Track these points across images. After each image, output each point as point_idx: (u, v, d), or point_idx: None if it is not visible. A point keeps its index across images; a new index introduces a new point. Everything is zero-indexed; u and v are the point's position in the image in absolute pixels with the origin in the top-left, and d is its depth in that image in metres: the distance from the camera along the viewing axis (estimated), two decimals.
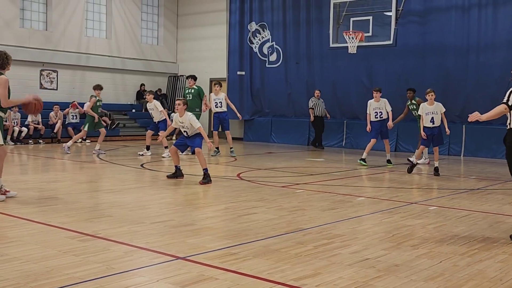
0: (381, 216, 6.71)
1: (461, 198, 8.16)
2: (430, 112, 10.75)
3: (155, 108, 13.44)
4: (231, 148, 13.78)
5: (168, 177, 9.47)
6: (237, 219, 6.29)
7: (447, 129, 11.07)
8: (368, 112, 12.41)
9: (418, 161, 12.12)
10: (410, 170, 10.94)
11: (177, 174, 9.42)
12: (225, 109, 13.72)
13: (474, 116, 5.67)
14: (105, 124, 18.66)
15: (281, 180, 9.82)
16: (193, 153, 9.63)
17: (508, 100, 5.45)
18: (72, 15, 19.01)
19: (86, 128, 14.01)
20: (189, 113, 9.19)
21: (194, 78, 14.21)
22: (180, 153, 9.45)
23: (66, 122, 17.65)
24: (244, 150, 15.78)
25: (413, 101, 12.80)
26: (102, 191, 8.14)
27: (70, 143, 14.07)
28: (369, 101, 12.47)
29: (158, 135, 13.00)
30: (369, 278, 4.21)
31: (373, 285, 4.06)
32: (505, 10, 14.61)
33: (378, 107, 12.33)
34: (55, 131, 17.18)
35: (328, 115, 17.25)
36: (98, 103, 14.04)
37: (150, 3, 21.71)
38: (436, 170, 10.83)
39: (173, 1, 22.17)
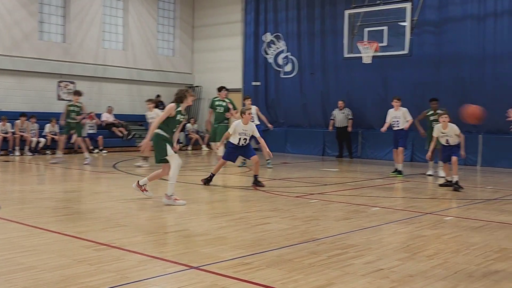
0: (396, 226, 6.67)
1: (477, 209, 8.08)
2: (445, 135, 10.06)
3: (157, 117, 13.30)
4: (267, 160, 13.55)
5: (204, 183, 9.94)
6: (251, 229, 6.30)
7: (462, 152, 10.01)
8: (386, 121, 12.39)
9: (430, 173, 12.35)
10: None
11: (210, 180, 9.98)
12: (258, 122, 13.63)
13: None
14: (121, 135, 18.86)
15: (295, 190, 9.81)
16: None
17: None
18: (90, 27, 19.27)
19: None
20: (252, 122, 9.86)
21: (227, 89, 13.95)
22: (232, 162, 10.30)
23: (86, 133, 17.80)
24: (259, 161, 15.75)
25: (438, 111, 11.85)
26: (118, 201, 8.21)
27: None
28: (389, 110, 12.43)
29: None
30: None
31: None
32: None
33: (396, 116, 12.19)
34: (72, 141, 17.34)
35: (349, 127, 17.11)
36: (71, 108, 14.03)
37: (166, 15, 21.93)
38: (455, 183, 9.92)
39: (189, 12, 22.38)
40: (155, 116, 13.25)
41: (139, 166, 13.06)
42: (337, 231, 6.27)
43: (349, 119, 17.10)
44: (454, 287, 4.27)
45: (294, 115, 19.08)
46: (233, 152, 9.99)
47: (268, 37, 19.73)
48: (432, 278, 4.48)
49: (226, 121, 13.62)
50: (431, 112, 12.39)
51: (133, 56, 20.63)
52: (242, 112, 9.83)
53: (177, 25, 22.14)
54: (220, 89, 13.79)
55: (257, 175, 9.99)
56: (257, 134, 9.85)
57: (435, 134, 10.24)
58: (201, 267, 4.63)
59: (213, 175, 10.06)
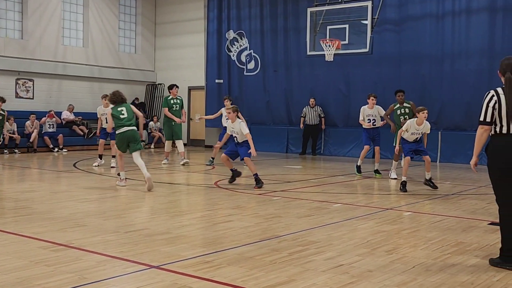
0: (357, 222, 6.75)
1: (435, 204, 8.25)
2: (417, 132, 9.62)
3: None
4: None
5: (230, 182, 10.02)
6: (213, 227, 6.28)
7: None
8: (361, 118, 11.68)
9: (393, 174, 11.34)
10: (404, 189, 9.38)
11: (235, 176, 10.04)
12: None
13: (474, 167, 5.08)
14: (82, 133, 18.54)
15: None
16: (242, 159, 10.08)
17: (485, 117, 4.80)
18: (48, 23, 18.85)
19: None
20: (240, 120, 9.94)
21: (178, 87, 14.03)
22: (232, 160, 10.16)
23: (43, 132, 17.45)
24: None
25: (405, 104, 11.42)
26: (77, 200, 8.06)
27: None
28: (363, 107, 11.73)
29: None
30: (342, 284, 4.23)
31: None
32: (477, 18, 14.86)
33: (372, 114, 11.62)
34: (31, 140, 16.97)
35: (323, 125, 17.30)
36: None
37: (128, 11, 21.64)
38: (429, 180, 9.68)
39: (151, 9, 22.14)
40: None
41: (97, 166, 12.83)
42: (299, 228, 6.31)
43: (322, 117, 17.26)
44: (412, 281, 4.34)
45: (258, 112, 19.09)
46: (234, 149, 10.04)
47: (231, 34, 19.68)
48: (390, 272, 4.55)
49: (180, 119, 13.67)
50: (398, 105, 11.55)
51: (93, 53, 20.28)
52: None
53: (139, 22, 21.87)
54: (171, 87, 13.86)
55: (255, 174, 9.75)
56: (244, 131, 9.74)
57: (407, 128, 9.62)
58: (161, 266, 4.59)
59: (232, 170, 10.05)
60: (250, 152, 9.68)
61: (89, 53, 20.15)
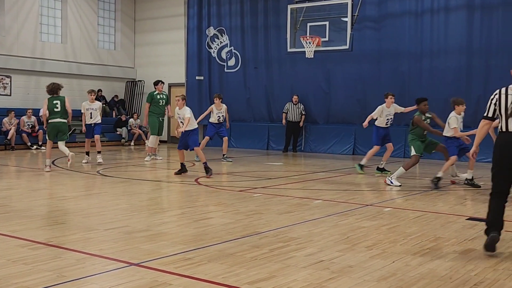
0: (337, 218, 6.78)
1: (415, 199, 8.33)
2: (462, 121, 9.59)
3: (98, 109, 12.96)
4: (224, 155, 13.88)
5: (175, 174, 10.76)
6: (193, 224, 6.26)
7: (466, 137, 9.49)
8: (374, 116, 11.27)
9: (460, 174, 10.11)
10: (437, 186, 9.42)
11: (182, 170, 10.77)
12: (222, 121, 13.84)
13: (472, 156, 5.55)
14: None
15: (239, 184, 9.82)
16: (192, 149, 10.80)
17: (487, 113, 5.18)
18: (26, 19, 18.58)
19: None
20: (187, 107, 10.53)
21: (163, 82, 14.25)
22: (185, 150, 10.84)
23: (20, 129, 17.20)
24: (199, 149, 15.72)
25: (427, 115, 9.92)
26: (56, 198, 7.97)
27: None
28: (381, 106, 11.28)
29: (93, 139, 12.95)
30: (323, 279, 4.25)
31: (327, 286, 4.10)
32: (456, 15, 15.02)
33: (390, 113, 11.26)
34: (8, 137, 16.72)
35: (301, 122, 17.26)
36: None
37: (107, 7, 21.42)
38: (472, 180, 9.57)
39: (130, 5, 21.95)
40: (97, 108, 12.98)
41: (86, 163, 12.83)
42: (280, 224, 6.32)
43: (303, 114, 17.28)
44: (391, 276, 4.38)
45: (238, 109, 19.05)
46: (183, 141, 10.65)
47: (211, 31, 19.62)
48: (370, 268, 4.59)
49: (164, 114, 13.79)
50: (423, 116, 9.80)
51: (72, 49, 20.05)
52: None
53: (118, 18, 21.67)
54: (157, 82, 13.98)
55: (204, 163, 10.54)
56: (186, 115, 10.29)
57: (456, 125, 9.35)
58: (141, 264, 4.56)
59: (182, 164, 10.80)
60: (198, 140, 10.71)
61: (68, 49, 19.92)
